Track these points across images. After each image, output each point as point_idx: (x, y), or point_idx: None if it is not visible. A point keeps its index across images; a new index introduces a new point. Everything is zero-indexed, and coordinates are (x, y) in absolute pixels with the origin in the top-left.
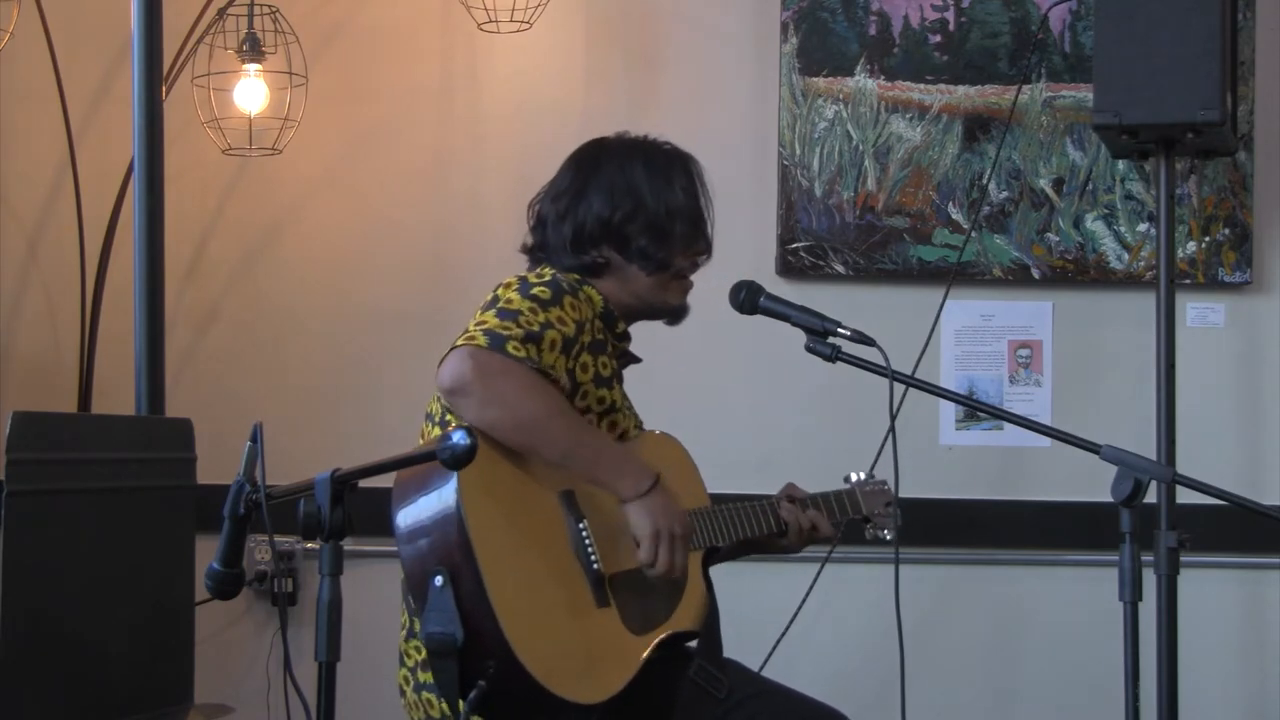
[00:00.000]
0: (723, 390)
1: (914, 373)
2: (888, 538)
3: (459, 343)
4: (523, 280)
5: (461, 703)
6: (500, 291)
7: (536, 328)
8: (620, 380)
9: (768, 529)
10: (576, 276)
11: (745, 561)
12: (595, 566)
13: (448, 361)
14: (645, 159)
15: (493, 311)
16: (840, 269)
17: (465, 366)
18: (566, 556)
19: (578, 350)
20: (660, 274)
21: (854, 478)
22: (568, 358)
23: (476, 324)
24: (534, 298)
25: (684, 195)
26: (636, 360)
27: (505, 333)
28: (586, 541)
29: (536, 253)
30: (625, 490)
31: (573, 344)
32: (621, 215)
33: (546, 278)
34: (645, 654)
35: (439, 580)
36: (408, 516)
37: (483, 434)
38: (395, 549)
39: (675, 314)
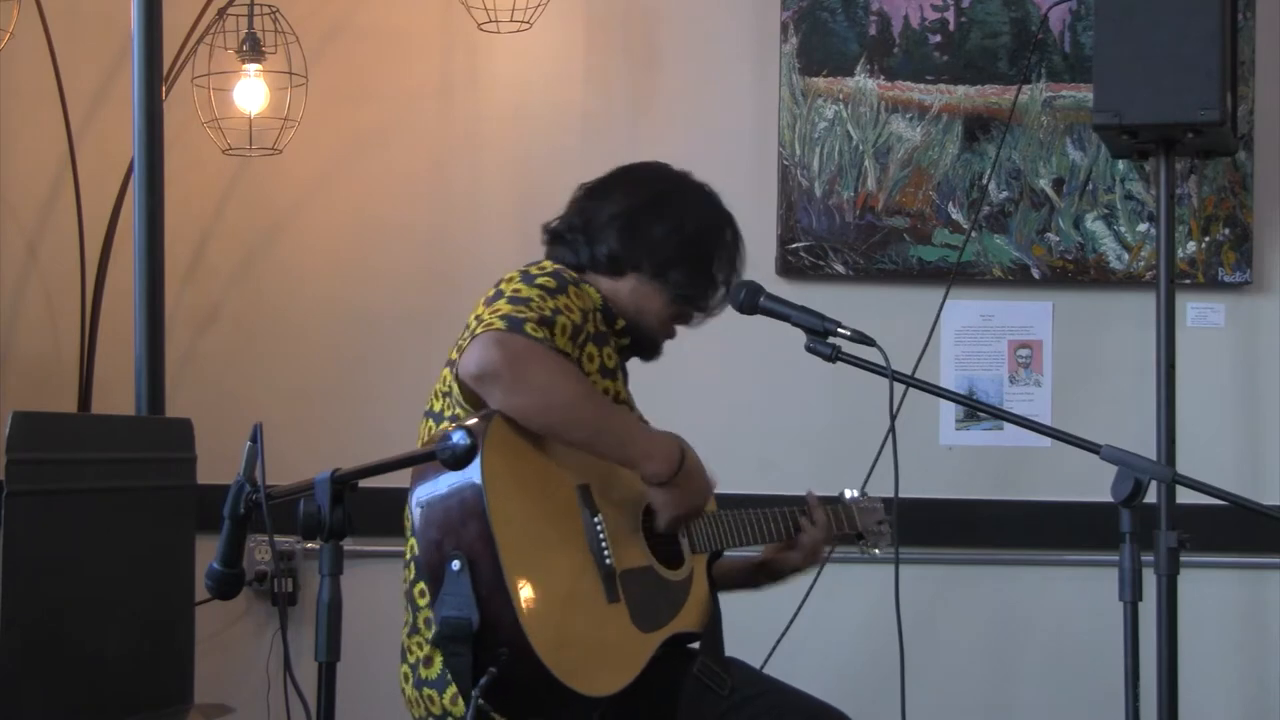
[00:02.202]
0: (723, 390)
1: (914, 373)
2: (879, 554)
3: (478, 331)
4: (525, 273)
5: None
6: (504, 285)
7: (549, 312)
8: (624, 375)
9: (769, 537)
10: (575, 274)
11: None
12: (608, 562)
13: (473, 348)
14: (715, 210)
15: (503, 300)
16: (840, 269)
17: (494, 353)
18: (581, 549)
19: (584, 339)
20: (676, 307)
21: (848, 494)
22: (573, 344)
23: (492, 312)
24: (541, 286)
25: (732, 254)
26: None
27: (521, 316)
28: (601, 536)
29: (565, 235)
30: (651, 472)
31: (579, 332)
32: (678, 244)
33: (549, 269)
34: (650, 652)
35: (456, 565)
36: (428, 501)
37: (508, 420)
38: (394, 549)
39: (653, 349)
